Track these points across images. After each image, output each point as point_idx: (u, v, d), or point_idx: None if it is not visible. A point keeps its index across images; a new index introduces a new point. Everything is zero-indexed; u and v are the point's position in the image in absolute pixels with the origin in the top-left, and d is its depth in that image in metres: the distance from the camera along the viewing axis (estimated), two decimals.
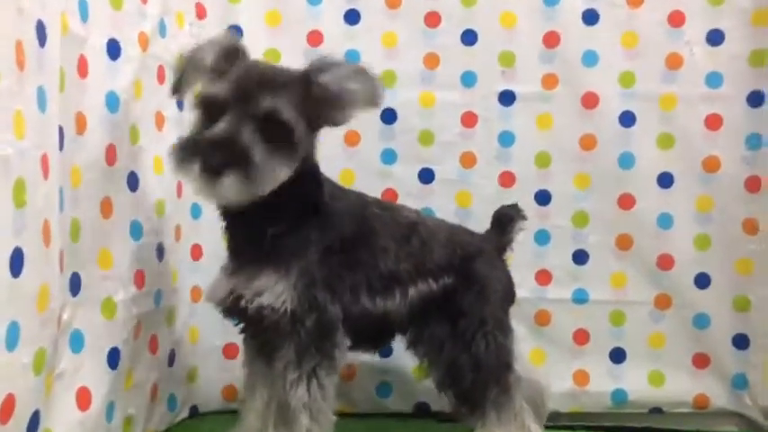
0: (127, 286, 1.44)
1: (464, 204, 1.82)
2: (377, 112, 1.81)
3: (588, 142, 1.78)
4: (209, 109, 1.22)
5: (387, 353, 1.81)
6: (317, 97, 1.23)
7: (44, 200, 1.12)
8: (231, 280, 1.29)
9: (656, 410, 1.76)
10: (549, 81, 1.79)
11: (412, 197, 1.81)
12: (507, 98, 1.81)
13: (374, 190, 1.79)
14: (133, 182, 1.49)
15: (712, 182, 1.74)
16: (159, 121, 1.62)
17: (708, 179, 1.74)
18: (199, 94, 1.26)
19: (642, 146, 1.76)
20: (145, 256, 1.52)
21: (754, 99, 1.72)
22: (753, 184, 1.72)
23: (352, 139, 1.83)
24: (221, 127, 1.17)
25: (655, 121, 1.76)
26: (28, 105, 1.08)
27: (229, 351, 1.84)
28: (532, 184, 1.79)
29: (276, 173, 1.18)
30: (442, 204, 1.81)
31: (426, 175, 1.83)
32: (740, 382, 1.76)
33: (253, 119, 1.18)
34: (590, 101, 1.78)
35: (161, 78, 1.63)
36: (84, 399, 1.27)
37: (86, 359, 1.28)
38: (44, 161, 1.12)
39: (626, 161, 1.77)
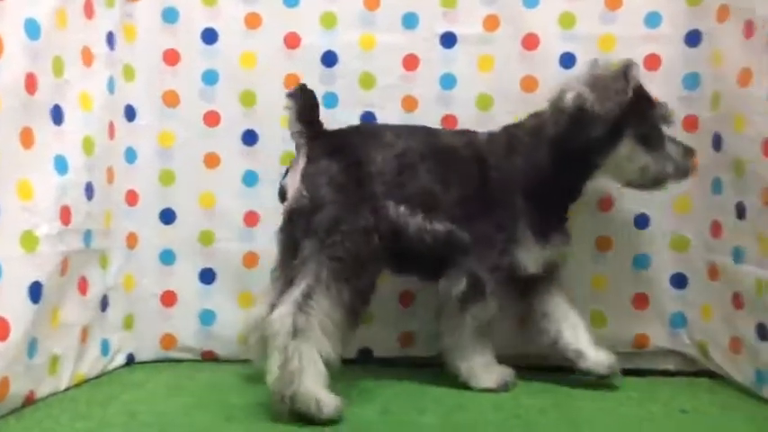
0: (51, 221, 1.39)
1: None
2: (317, 56, 1.79)
3: (529, 84, 1.78)
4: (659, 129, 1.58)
5: None
6: None
7: None
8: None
9: None
10: (491, 22, 1.78)
11: None
12: (449, 40, 1.79)
13: None
14: (57, 115, 1.44)
15: None
16: (87, 56, 1.57)
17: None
18: (653, 122, 1.56)
19: None
20: (71, 193, 1.47)
21: (692, 38, 1.73)
22: (690, 124, 1.73)
23: (292, 83, 1.78)
24: (674, 140, 1.60)
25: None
26: None
27: (167, 299, 1.81)
28: (475, 127, 1.76)
29: None
30: None
31: (368, 119, 1.80)
32: (678, 321, 1.78)
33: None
34: (531, 42, 1.77)
35: (89, 13, 1.58)
36: (1, 329, 1.23)
37: (4, 289, 1.24)
38: None
39: None
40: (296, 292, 1.37)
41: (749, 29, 1.54)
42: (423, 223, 1.52)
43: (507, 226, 1.54)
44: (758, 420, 1.40)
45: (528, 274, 1.56)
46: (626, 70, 1.50)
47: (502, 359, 1.61)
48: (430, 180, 1.53)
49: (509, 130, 1.63)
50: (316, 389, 1.31)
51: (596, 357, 1.59)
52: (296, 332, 1.33)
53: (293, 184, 1.51)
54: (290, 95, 1.51)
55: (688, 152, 1.58)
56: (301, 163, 1.52)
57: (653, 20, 1.74)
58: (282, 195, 1.56)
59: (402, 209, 1.51)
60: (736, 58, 1.57)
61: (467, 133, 1.65)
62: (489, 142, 1.61)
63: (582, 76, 1.54)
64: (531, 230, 1.54)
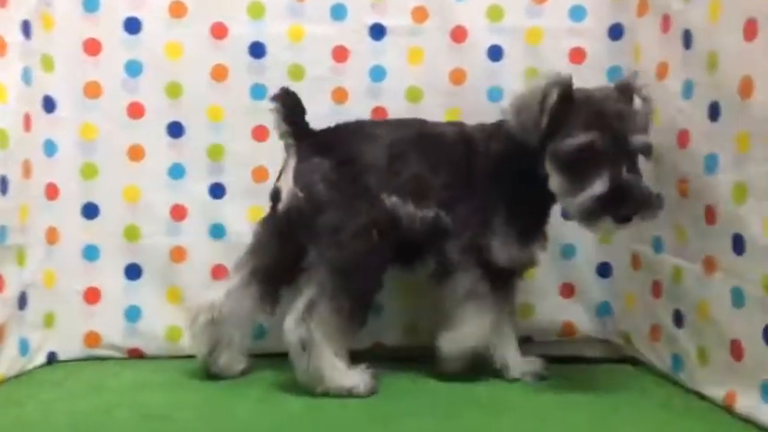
0: None
1: None
2: (244, 47, 1.76)
3: (458, 76, 1.79)
4: (582, 158, 1.36)
5: None
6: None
7: None
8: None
9: (527, 339, 1.79)
10: (419, 14, 1.78)
11: None
12: (378, 32, 1.78)
13: (244, 127, 1.78)
14: None
15: None
16: (0, 46, 1.51)
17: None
18: (566, 147, 1.37)
19: (510, 80, 1.77)
20: None
21: (615, 32, 1.76)
22: None
23: (219, 74, 1.77)
24: (613, 180, 1.33)
25: (522, 54, 1.78)
26: None
27: (91, 296, 1.76)
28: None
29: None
30: None
31: None
32: (604, 310, 1.82)
33: (627, 159, 1.35)
34: (459, 35, 1.78)
35: (1, 1, 1.52)
36: None
37: None
38: None
39: (495, 95, 1.78)
40: (300, 303, 1.47)
41: (666, 23, 1.57)
42: (414, 211, 1.53)
43: (486, 213, 1.52)
44: (673, 405, 1.45)
45: (497, 267, 1.53)
46: (545, 90, 1.38)
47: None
48: (420, 167, 1.53)
49: (498, 124, 1.57)
50: (342, 380, 1.45)
51: (522, 368, 1.60)
52: (304, 344, 1.44)
53: (286, 185, 1.54)
54: (274, 98, 1.54)
55: (631, 197, 1.33)
56: (292, 163, 1.55)
57: (577, 13, 1.77)
58: (275, 197, 1.57)
59: (394, 199, 1.52)
60: (654, 52, 1.61)
61: (456, 123, 1.65)
62: (479, 131, 1.59)
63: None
64: (508, 224, 1.52)
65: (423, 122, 1.63)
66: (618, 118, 1.37)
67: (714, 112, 1.40)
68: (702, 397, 1.45)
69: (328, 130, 1.59)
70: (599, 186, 1.33)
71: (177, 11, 1.75)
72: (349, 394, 1.45)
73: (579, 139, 1.34)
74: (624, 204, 1.32)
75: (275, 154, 1.76)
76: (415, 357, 1.68)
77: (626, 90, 1.44)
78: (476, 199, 1.53)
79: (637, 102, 1.44)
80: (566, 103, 1.38)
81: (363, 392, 1.46)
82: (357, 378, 1.47)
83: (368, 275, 1.49)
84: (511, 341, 1.62)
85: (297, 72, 1.78)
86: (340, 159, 1.53)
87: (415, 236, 1.54)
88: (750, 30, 1.29)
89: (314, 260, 1.49)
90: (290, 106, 1.55)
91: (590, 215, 1.34)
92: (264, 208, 1.76)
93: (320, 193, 1.50)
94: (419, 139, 1.56)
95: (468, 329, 1.52)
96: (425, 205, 1.53)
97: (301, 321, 1.45)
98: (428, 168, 1.54)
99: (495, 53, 1.78)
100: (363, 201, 1.51)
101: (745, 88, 1.30)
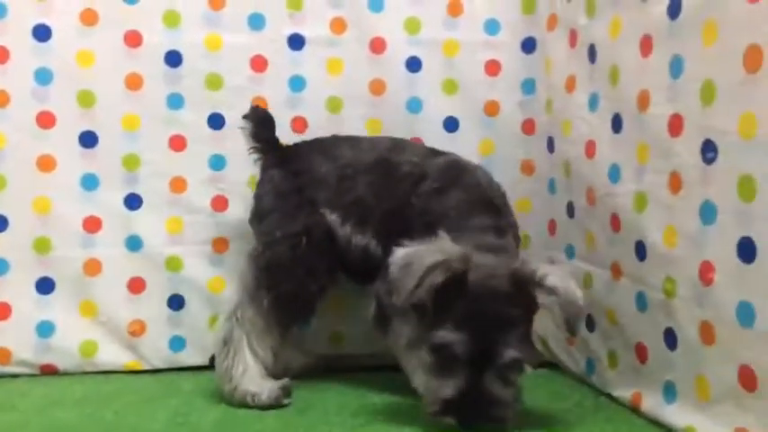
0: None
1: None
2: (160, 55, 1.74)
3: (378, 87, 1.80)
4: (445, 355, 1.26)
5: (179, 305, 1.76)
6: (527, 301, 1.27)
7: None
8: None
9: None
10: (337, 25, 1.79)
11: (203, 143, 1.76)
12: (296, 42, 1.79)
13: (160, 136, 1.75)
14: None
15: (492, 126, 1.82)
16: None
17: (489, 123, 1.82)
18: (432, 340, 1.27)
19: (428, 91, 1.80)
20: None
21: (527, 45, 1.81)
22: (528, 127, 1.82)
23: (133, 83, 1.73)
24: (465, 385, 1.25)
25: (439, 66, 1.81)
26: None
27: (0, 311, 1.70)
28: (325, 130, 1.76)
29: (520, 398, 1.32)
30: (233, 150, 1.75)
31: (216, 121, 1.77)
32: None
33: (493, 367, 1.25)
34: (378, 46, 1.80)
35: None
36: None
37: None
38: None
39: (414, 106, 1.81)
40: (232, 303, 1.53)
41: (573, 38, 1.63)
42: (349, 234, 1.52)
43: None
44: (585, 407, 1.49)
45: None
46: (432, 268, 1.24)
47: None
48: (366, 192, 1.53)
49: (455, 163, 1.54)
50: (249, 385, 1.46)
51: None
52: (226, 340, 1.49)
53: None
54: (245, 117, 1.63)
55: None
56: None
57: (492, 27, 1.81)
58: None
59: (335, 216, 1.53)
60: (563, 66, 1.66)
61: (425, 155, 1.56)
62: (437, 171, 1.50)
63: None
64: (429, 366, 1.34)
65: (391, 148, 1.58)
66: (491, 323, 1.25)
67: (617, 123, 1.46)
68: (613, 399, 1.50)
69: (293, 146, 1.66)
70: (448, 389, 1.26)
71: (89, 18, 1.71)
72: (252, 401, 1.44)
73: (445, 337, 1.25)
74: (469, 413, 1.26)
75: (193, 164, 1.76)
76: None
77: (519, 281, 1.26)
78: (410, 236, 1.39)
79: (542, 299, 1.25)
80: (455, 288, 1.25)
81: (265, 402, 1.44)
82: (264, 386, 1.46)
83: (291, 280, 1.50)
84: None
85: (214, 81, 1.76)
86: (292, 171, 1.58)
87: (350, 259, 1.53)
88: (646, 46, 1.35)
89: (245, 264, 1.56)
90: (257, 123, 1.62)
91: (434, 414, 1.28)
92: (182, 219, 1.76)
93: (266, 201, 1.58)
94: (375, 165, 1.55)
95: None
96: (362, 231, 1.52)
97: (228, 320, 1.51)
98: (374, 194, 1.53)
99: (414, 64, 1.81)
100: (302, 211, 1.54)
101: (643, 101, 1.36)
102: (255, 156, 1.63)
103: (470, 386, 1.26)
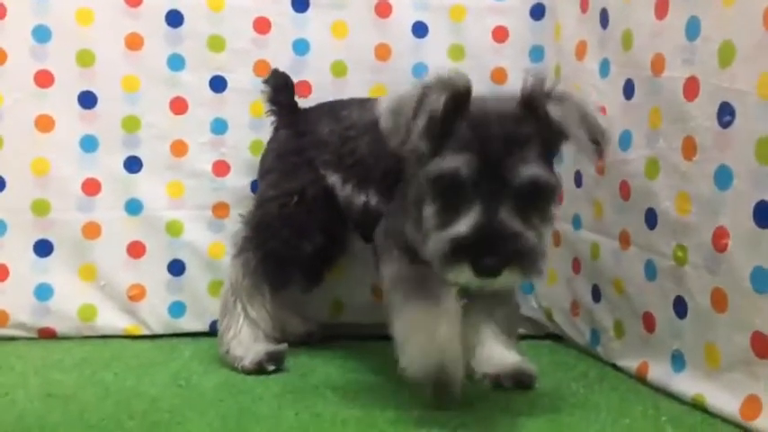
0: None
1: (258, 114, 1.74)
2: (161, 15, 1.70)
3: (383, 52, 1.77)
4: (449, 187, 1.07)
5: (179, 270, 1.74)
6: (542, 125, 1.10)
7: None
8: None
9: None
10: None
11: (204, 106, 1.73)
12: (301, 4, 1.75)
13: (161, 98, 1.72)
14: None
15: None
16: None
17: (496, 90, 1.78)
18: (432, 171, 1.09)
19: (434, 57, 1.76)
20: None
21: (536, 11, 1.77)
22: None
23: (134, 43, 1.70)
24: (480, 219, 1.03)
25: (446, 32, 1.77)
26: None
27: None
28: (329, 94, 1.74)
29: (545, 248, 1.10)
30: (235, 114, 1.74)
31: (218, 84, 1.73)
32: (527, 287, 1.84)
33: (509, 195, 1.05)
34: (384, 10, 1.76)
35: None
36: None
37: None
38: None
39: (420, 71, 1.76)
40: None
41: (585, 2, 1.59)
42: (350, 194, 1.48)
43: (411, 199, 1.27)
44: (589, 377, 1.47)
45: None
46: (426, 91, 1.08)
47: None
48: (367, 152, 1.46)
49: None
50: (236, 349, 1.45)
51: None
52: (223, 304, 1.51)
53: None
54: (264, 81, 1.63)
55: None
56: None
57: None
58: None
59: (335, 178, 1.50)
60: (573, 32, 1.63)
61: None
62: None
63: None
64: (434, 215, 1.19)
65: None
66: (500, 141, 1.06)
67: (629, 89, 1.43)
68: (619, 369, 1.48)
69: (306, 109, 1.63)
70: (461, 226, 1.04)
71: None
72: (237, 365, 1.44)
73: (447, 162, 1.07)
74: (488, 253, 1.02)
75: (194, 127, 1.73)
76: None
77: (529, 103, 1.11)
78: (404, 186, 1.33)
79: (554, 111, 1.09)
80: (455, 114, 1.08)
81: (247, 366, 1.42)
82: (250, 350, 1.44)
83: (277, 238, 1.48)
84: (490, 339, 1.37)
85: (217, 43, 1.72)
86: (297, 132, 1.57)
87: (352, 218, 1.51)
88: (661, 7, 1.31)
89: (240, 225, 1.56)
90: (275, 87, 1.62)
91: (443, 260, 1.06)
92: (183, 183, 1.73)
93: (268, 161, 1.60)
94: (375, 123, 1.39)
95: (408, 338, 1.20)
96: (363, 190, 1.48)
97: (225, 284, 1.53)
98: (373, 154, 1.45)
99: (420, 29, 1.77)
100: (299, 171, 1.52)
101: (657, 65, 1.33)
102: (273, 118, 1.63)
103: (486, 220, 1.03)
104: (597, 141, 1.09)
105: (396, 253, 1.29)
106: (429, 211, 1.11)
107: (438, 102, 1.06)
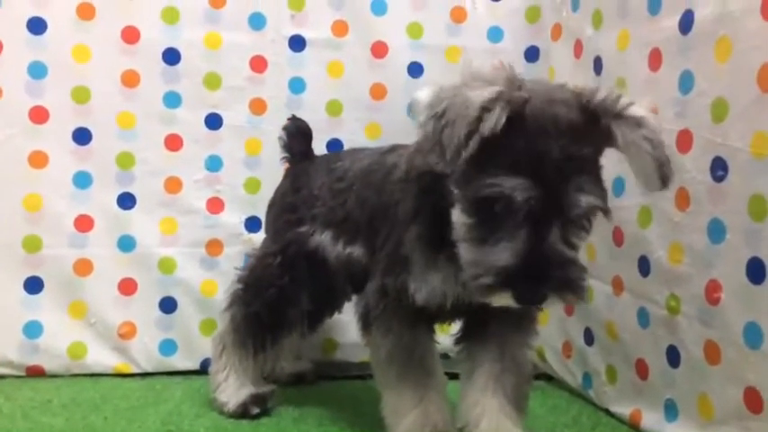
0: None
1: (254, 152, 1.75)
2: (158, 52, 1.70)
3: (378, 92, 1.78)
4: (495, 207, 0.97)
5: (170, 308, 1.73)
6: (602, 140, 1.00)
7: None
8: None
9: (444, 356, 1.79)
10: (339, 28, 1.77)
11: (199, 143, 1.74)
12: (297, 43, 1.76)
13: (156, 135, 1.72)
14: None
15: None
16: None
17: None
18: (481, 192, 0.97)
19: None
20: None
21: (531, 54, 1.79)
22: None
23: (130, 80, 1.70)
24: (527, 246, 0.95)
25: (441, 72, 1.78)
26: None
27: None
28: (324, 133, 1.75)
29: (587, 271, 1.01)
30: (230, 151, 1.74)
31: (213, 121, 1.74)
32: None
33: (560, 221, 0.97)
34: (379, 50, 1.77)
35: None
36: None
37: None
38: None
39: None
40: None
41: (578, 48, 1.61)
42: (342, 250, 1.40)
43: (397, 245, 1.20)
44: (582, 423, 1.47)
45: (424, 306, 1.18)
46: (487, 105, 0.93)
47: None
48: (354, 202, 1.38)
49: None
50: (221, 394, 1.46)
51: None
52: (213, 348, 1.51)
53: None
54: (284, 128, 1.60)
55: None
56: None
57: (495, 34, 1.79)
58: None
59: (326, 234, 1.43)
60: (567, 76, 1.64)
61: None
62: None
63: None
64: (422, 252, 1.16)
65: (389, 150, 1.36)
66: (559, 163, 0.95)
67: None
68: (611, 414, 1.48)
69: (309, 161, 1.58)
70: (506, 254, 0.96)
71: (85, 12, 1.68)
72: (220, 408, 1.45)
73: (499, 184, 0.95)
74: (535, 282, 0.96)
75: (189, 164, 1.73)
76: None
77: (593, 114, 0.98)
78: (389, 234, 1.24)
79: (624, 134, 0.98)
80: (509, 123, 0.95)
81: (231, 411, 1.43)
82: (233, 396, 1.45)
83: (260, 297, 1.45)
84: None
85: (213, 81, 1.73)
86: (293, 187, 1.54)
87: (347, 274, 1.41)
88: (655, 60, 1.33)
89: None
90: (291, 135, 1.59)
91: (485, 290, 0.99)
92: (177, 220, 1.73)
93: (270, 216, 1.59)
94: (366, 168, 1.38)
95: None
96: (352, 243, 1.38)
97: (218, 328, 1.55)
98: (360, 203, 1.36)
99: (416, 70, 1.78)
100: (288, 230, 1.48)
101: None
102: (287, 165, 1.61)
103: (534, 246, 0.95)
104: (664, 174, 0.99)
105: (395, 325, 1.20)
106: (463, 219, 1.02)
107: (498, 124, 0.93)
